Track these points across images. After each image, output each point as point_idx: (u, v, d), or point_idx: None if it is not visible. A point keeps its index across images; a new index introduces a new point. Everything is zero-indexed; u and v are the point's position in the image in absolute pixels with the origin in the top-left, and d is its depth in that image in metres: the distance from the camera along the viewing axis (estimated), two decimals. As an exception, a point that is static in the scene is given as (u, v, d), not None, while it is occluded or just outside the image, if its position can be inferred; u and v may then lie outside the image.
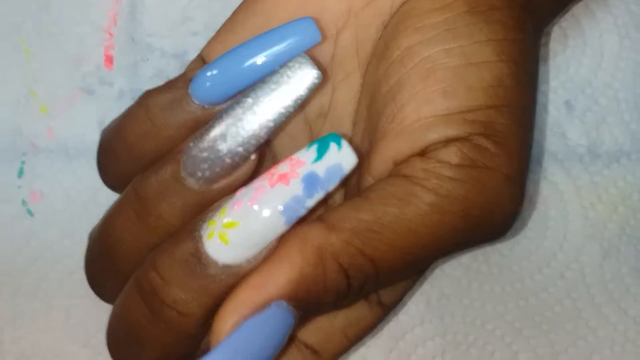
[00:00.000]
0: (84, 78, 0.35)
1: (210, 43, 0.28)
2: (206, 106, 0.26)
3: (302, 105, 0.26)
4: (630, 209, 0.34)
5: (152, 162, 0.26)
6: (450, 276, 0.34)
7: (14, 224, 0.35)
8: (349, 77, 0.28)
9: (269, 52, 0.25)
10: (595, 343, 0.33)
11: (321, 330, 0.27)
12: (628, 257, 0.33)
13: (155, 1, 0.35)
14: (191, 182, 0.25)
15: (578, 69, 0.34)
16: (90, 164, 0.36)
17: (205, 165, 0.25)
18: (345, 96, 0.28)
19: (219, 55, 0.27)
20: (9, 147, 0.35)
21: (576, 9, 0.34)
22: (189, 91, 0.26)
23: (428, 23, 0.25)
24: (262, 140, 0.25)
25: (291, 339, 0.27)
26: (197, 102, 0.26)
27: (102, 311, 0.33)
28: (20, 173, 0.36)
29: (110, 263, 0.27)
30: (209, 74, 0.25)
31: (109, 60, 0.36)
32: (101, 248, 0.27)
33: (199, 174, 0.25)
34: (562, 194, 0.34)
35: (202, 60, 0.28)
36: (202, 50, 0.28)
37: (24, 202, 0.35)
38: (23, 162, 0.36)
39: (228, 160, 0.25)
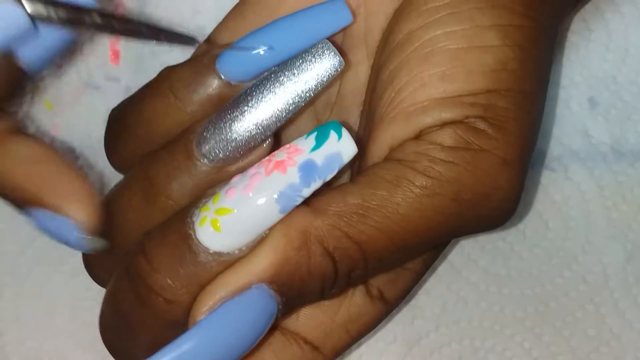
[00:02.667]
0: (90, 73, 0.35)
1: (219, 26, 0.28)
2: (232, 83, 0.26)
3: (320, 92, 0.26)
4: (656, 210, 0.33)
5: (168, 141, 0.26)
6: (467, 279, 0.33)
7: (17, 223, 0.34)
8: (357, 67, 0.28)
9: (300, 32, 0.25)
10: (619, 349, 0.32)
11: (321, 325, 0.26)
12: (653, 260, 0.33)
13: (163, -6, 0.35)
14: (204, 163, 0.25)
15: (602, 64, 0.33)
16: (96, 162, 0.35)
17: (220, 146, 0.25)
18: (353, 86, 0.28)
19: (227, 39, 0.27)
20: (13, 144, 0.35)
21: (600, 3, 0.33)
22: (216, 66, 0.25)
23: (432, 7, 0.24)
24: (279, 124, 0.25)
25: (291, 335, 0.27)
26: (224, 78, 0.26)
27: (108, 313, 0.33)
28: (24, 171, 0.35)
29: (110, 245, 0.26)
30: (238, 50, 0.25)
31: (116, 55, 0.35)
32: (102, 229, 0.26)
33: (213, 154, 0.25)
34: (584, 193, 0.33)
35: (210, 44, 0.27)
36: (211, 34, 0.28)
37: (27, 201, 0.35)
38: (27, 160, 0.35)
39: (244, 142, 0.25)
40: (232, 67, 0.25)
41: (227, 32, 0.27)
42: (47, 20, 0.21)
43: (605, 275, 0.33)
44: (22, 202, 0.24)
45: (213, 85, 0.26)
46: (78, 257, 0.34)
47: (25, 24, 0.20)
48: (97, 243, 0.24)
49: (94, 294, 0.33)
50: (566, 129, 0.33)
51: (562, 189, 0.33)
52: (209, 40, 0.27)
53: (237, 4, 0.28)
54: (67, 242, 0.24)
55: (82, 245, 0.24)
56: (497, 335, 0.32)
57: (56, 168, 0.24)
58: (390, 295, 0.27)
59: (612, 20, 0.33)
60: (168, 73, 0.26)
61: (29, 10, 0.20)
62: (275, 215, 0.23)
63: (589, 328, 0.32)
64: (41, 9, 0.21)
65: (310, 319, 0.26)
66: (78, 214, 0.23)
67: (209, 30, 0.34)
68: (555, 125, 0.33)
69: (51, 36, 0.23)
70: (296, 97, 0.24)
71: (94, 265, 0.28)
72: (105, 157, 0.29)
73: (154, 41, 0.23)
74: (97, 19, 0.22)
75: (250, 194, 0.23)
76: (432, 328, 0.33)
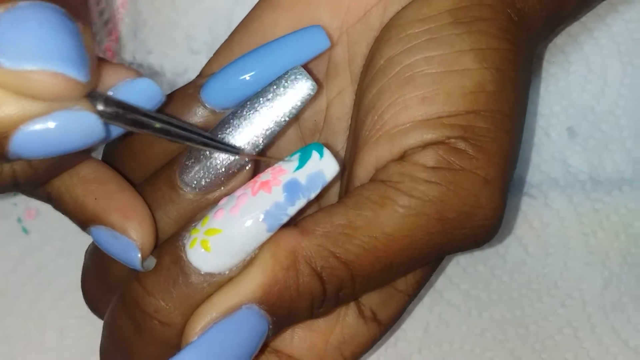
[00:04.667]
0: (83, 96, 0.35)
1: (209, 63, 0.28)
2: (217, 110, 0.26)
3: (297, 115, 0.26)
4: (632, 237, 0.34)
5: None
6: (449, 302, 0.34)
7: (8, 242, 0.35)
8: (342, 93, 0.28)
9: (280, 58, 0.25)
10: (596, 373, 0.32)
11: (314, 347, 0.27)
12: (629, 286, 0.33)
13: (157, 20, 0.35)
14: (187, 191, 0.25)
15: (581, 94, 0.34)
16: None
17: (201, 174, 0.25)
18: (339, 112, 0.28)
19: None
20: (6, 164, 0.35)
21: (579, 36, 0.34)
22: (200, 96, 0.26)
23: (411, 33, 0.25)
24: (259, 149, 0.25)
25: (286, 357, 0.27)
26: (208, 106, 0.26)
27: (97, 332, 0.33)
28: (17, 190, 0.35)
29: (104, 277, 0.27)
30: (220, 79, 0.26)
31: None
32: (96, 262, 0.27)
33: (195, 182, 0.25)
34: (563, 220, 0.34)
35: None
36: (202, 71, 0.28)
37: (19, 220, 0.35)
38: (20, 180, 0.35)
39: (224, 169, 0.25)
40: (216, 95, 0.26)
41: (217, 66, 0.27)
42: (115, 121, 0.22)
43: (583, 300, 0.33)
44: (85, 220, 0.25)
45: (198, 113, 0.26)
46: (67, 276, 0.34)
47: (101, 133, 0.21)
48: (151, 262, 0.25)
49: (84, 313, 0.33)
50: (546, 158, 0.34)
51: (542, 216, 0.34)
52: (201, 75, 0.28)
53: (226, 40, 0.28)
54: (124, 260, 0.24)
55: (138, 264, 0.24)
56: (477, 357, 0.33)
57: (118, 189, 0.25)
58: (384, 317, 0.27)
59: (591, 52, 0.34)
60: None
61: (102, 114, 0.21)
62: (262, 234, 0.24)
63: (566, 352, 0.33)
64: (112, 114, 0.22)
65: (303, 341, 0.27)
66: (137, 234, 0.24)
67: (201, 55, 0.35)
68: (535, 154, 0.34)
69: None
70: (272, 123, 0.25)
71: (93, 299, 0.28)
72: None
73: (206, 148, 0.24)
74: (159, 125, 0.23)
75: (238, 214, 0.24)
76: (415, 350, 0.33)
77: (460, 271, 0.34)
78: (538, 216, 0.34)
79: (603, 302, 0.33)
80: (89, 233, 0.25)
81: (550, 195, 0.34)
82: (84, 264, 0.28)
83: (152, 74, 0.35)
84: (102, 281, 0.27)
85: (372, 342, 0.28)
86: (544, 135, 0.34)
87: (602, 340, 0.33)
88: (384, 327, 0.28)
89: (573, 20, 0.32)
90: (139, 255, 0.24)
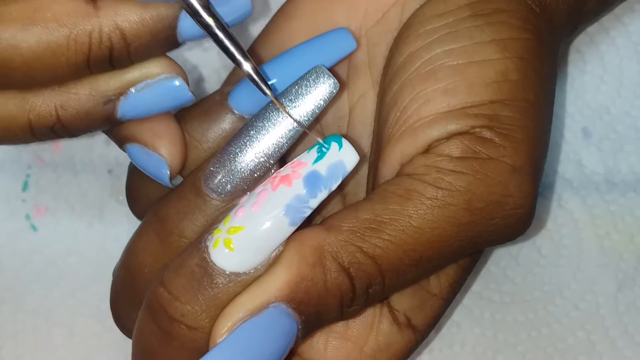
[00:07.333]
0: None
1: (233, 72, 0.28)
2: (245, 117, 0.27)
3: (319, 117, 0.26)
4: (647, 240, 0.33)
5: None
6: (461, 304, 0.33)
7: (17, 238, 0.35)
8: (364, 97, 0.28)
9: (308, 61, 0.25)
10: (609, 377, 0.32)
11: (349, 357, 0.26)
12: (644, 289, 0.33)
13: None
14: (213, 198, 0.25)
15: (596, 95, 0.34)
16: (96, 179, 0.35)
17: (227, 179, 0.25)
18: (362, 116, 0.28)
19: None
20: (14, 159, 0.35)
21: (596, 35, 0.33)
22: (228, 102, 0.26)
23: (430, 28, 0.25)
24: (282, 151, 0.25)
25: None
26: (236, 112, 0.27)
27: (105, 330, 0.33)
28: (25, 187, 0.35)
29: (132, 292, 0.27)
30: (247, 85, 0.26)
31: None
32: (124, 277, 0.27)
33: (220, 188, 0.25)
34: (577, 222, 0.34)
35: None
36: (226, 79, 0.29)
37: (27, 217, 0.35)
38: (28, 176, 0.35)
39: (249, 172, 0.25)
40: (244, 101, 0.26)
41: (242, 75, 0.27)
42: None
43: (597, 303, 0.33)
44: (122, 138, 0.26)
45: (226, 120, 0.27)
46: (76, 274, 0.34)
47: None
48: (179, 181, 0.26)
49: (92, 311, 0.33)
50: (560, 158, 0.34)
51: (556, 217, 0.34)
52: (227, 83, 0.28)
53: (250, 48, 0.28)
54: (155, 176, 0.26)
55: (167, 180, 0.26)
56: (489, 360, 0.33)
57: None
58: (419, 322, 0.27)
59: (607, 52, 0.33)
60: (181, 113, 0.27)
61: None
62: (285, 229, 0.24)
63: (579, 355, 0.32)
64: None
65: (337, 350, 0.26)
66: (167, 151, 0.26)
67: (210, 52, 0.35)
68: (549, 154, 0.34)
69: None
70: (295, 123, 0.25)
71: (122, 317, 0.28)
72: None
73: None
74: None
75: (259, 209, 0.23)
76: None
77: (473, 272, 0.34)
78: (552, 217, 0.34)
79: (617, 304, 0.33)
80: (124, 150, 0.26)
81: (564, 197, 0.34)
82: (112, 282, 0.28)
83: (192, 69, 0.35)
84: (131, 295, 0.27)
85: (409, 350, 0.27)
86: (559, 136, 0.34)
87: (616, 343, 0.32)
88: (419, 333, 0.27)
89: (595, 18, 0.32)
90: (168, 172, 0.25)
